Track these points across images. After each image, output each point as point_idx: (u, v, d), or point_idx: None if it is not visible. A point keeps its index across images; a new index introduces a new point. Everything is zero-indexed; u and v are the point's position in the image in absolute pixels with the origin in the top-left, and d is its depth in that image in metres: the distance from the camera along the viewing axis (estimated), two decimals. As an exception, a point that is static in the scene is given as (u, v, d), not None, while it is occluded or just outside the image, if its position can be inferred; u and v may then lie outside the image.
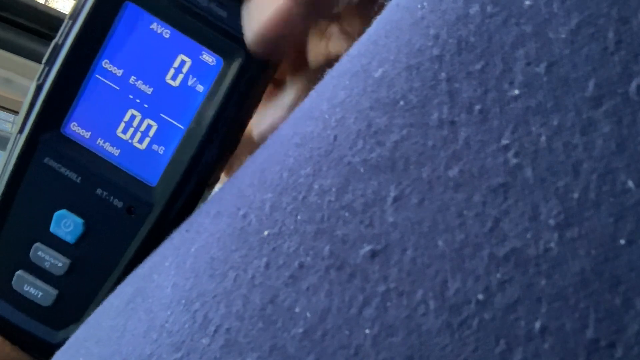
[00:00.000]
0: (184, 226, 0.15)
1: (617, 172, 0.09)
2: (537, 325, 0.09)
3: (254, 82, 0.21)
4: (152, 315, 0.13)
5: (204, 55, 0.21)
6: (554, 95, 0.10)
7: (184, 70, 0.21)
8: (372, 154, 0.12)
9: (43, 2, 1.03)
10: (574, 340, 0.09)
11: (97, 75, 0.21)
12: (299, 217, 0.12)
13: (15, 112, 1.11)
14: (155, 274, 0.14)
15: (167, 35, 0.21)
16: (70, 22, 0.20)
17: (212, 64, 0.21)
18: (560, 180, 0.10)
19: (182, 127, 0.21)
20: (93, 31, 0.20)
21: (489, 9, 0.11)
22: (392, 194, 0.11)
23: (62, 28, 0.21)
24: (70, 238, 0.22)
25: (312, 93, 0.14)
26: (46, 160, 0.21)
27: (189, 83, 0.21)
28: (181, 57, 0.21)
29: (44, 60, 0.21)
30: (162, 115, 0.21)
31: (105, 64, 0.21)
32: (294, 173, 0.12)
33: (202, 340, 0.12)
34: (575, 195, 0.10)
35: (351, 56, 0.13)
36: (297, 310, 0.11)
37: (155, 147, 0.21)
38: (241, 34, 0.20)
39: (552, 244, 0.10)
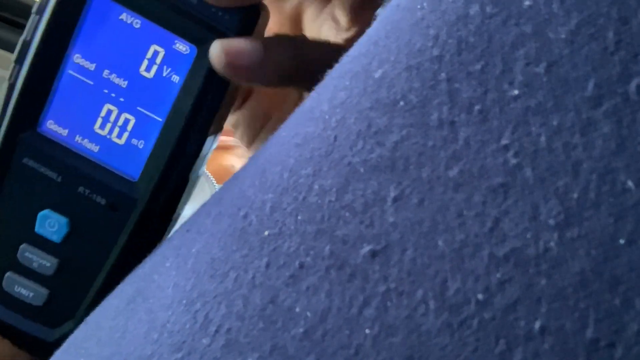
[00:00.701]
0: (184, 226, 0.15)
1: (617, 172, 0.09)
2: (537, 325, 0.09)
3: None
4: (153, 316, 0.13)
5: (177, 45, 0.20)
6: (554, 95, 0.10)
7: (158, 60, 0.20)
8: (372, 154, 0.12)
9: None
10: (573, 340, 0.09)
11: (69, 71, 0.21)
12: (299, 218, 0.12)
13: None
14: (156, 274, 0.14)
15: (138, 26, 0.20)
16: (37, 16, 0.20)
17: (185, 52, 0.20)
18: (560, 180, 0.10)
19: (160, 119, 0.21)
20: (61, 25, 0.20)
21: (488, 9, 0.11)
22: (392, 194, 0.11)
23: (29, 23, 0.20)
24: (56, 237, 0.21)
25: (313, 94, 0.14)
26: (25, 160, 0.21)
27: (164, 74, 0.20)
28: (154, 47, 0.20)
29: (13, 59, 0.20)
30: (139, 108, 0.21)
31: (77, 58, 0.20)
32: (294, 173, 0.13)
33: (203, 340, 0.12)
34: (575, 195, 0.10)
35: (351, 57, 0.13)
36: (297, 310, 0.11)
37: (134, 141, 0.21)
38: (214, 20, 0.19)
39: (552, 244, 0.10)
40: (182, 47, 0.20)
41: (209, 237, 0.14)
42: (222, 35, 0.20)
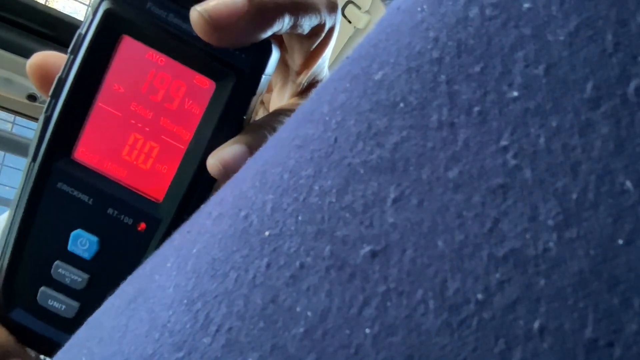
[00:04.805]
0: (185, 227, 0.15)
1: (616, 173, 0.09)
2: (536, 324, 0.09)
3: (245, 101, 0.23)
4: (154, 315, 0.13)
5: (198, 80, 0.22)
6: (553, 97, 0.10)
7: (180, 94, 0.22)
8: (372, 155, 0.12)
9: (43, 2, 1.02)
10: (572, 339, 0.09)
11: (100, 104, 0.23)
12: (299, 218, 0.12)
13: (15, 112, 1.10)
14: (157, 275, 0.14)
15: (162, 63, 0.22)
16: (72, 56, 0.22)
17: (205, 87, 0.22)
18: (559, 181, 0.10)
19: (182, 147, 0.23)
20: (93, 64, 0.22)
21: (488, 11, 0.11)
22: (392, 195, 0.11)
23: (65, 63, 0.22)
24: (87, 255, 0.23)
25: (313, 96, 0.14)
26: (59, 185, 0.23)
27: (186, 106, 0.22)
28: (176, 82, 0.22)
29: (50, 93, 0.22)
30: (162, 137, 0.23)
31: (107, 92, 0.23)
32: (294, 174, 0.13)
33: (204, 340, 0.12)
34: (574, 196, 0.10)
35: (352, 59, 0.13)
36: (297, 310, 0.11)
37: (158, 166, 0.23)
38: (230, 58, 0.22)
39: (551, 244, 0.10)
40: (202, 81, 0.22)
41: (210, 238, 0.14)
42: (238, 71, 0.22)
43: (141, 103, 0.23)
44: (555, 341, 0.09)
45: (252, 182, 0.14)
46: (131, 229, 0.23)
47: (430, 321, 0.10)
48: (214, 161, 0.21)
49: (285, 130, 0.14)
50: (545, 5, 0.11)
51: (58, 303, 0.24)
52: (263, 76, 0.23)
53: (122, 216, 0.23)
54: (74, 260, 0.23)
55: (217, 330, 0.12)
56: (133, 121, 0.23)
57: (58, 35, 0.98)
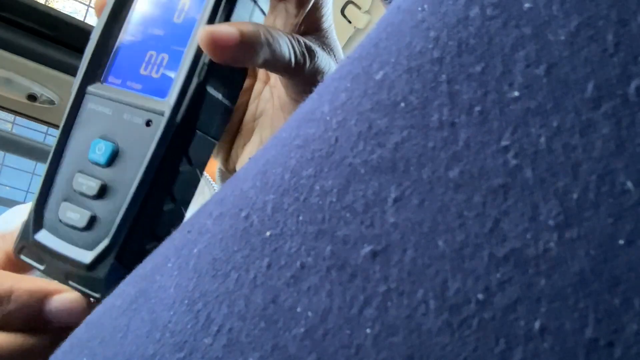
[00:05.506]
0: (185, 227, 0.15)
1: (616, 173, 0.09)
2: (537, 324, 0.09)
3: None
4: (155, 316, 0.13)
5: None
6: (554, 97, 0.10)
7: (186, 8, 0.25)
8: (373, 155, 0.12)
9: (43, 2, 1.02)
10: (573, 339, 0.09)
11: (126, 37, 0.26)
12: (300, 218, 0.12)
13: (15, 112, 1.10)
14: (158, 275, 0.15)
15: None
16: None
17: None
18: (559, 181, 0.10)
19: (183, 49, 0.25)
20: (119, 9, 0.26)
21: (488, 11, 0.11)
22: (393, 195, 0.11)
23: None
24: (102, 160, 0.25)
25: (314, 95, 0.14)
26: (90, 104, 0.26)
27: (190, 15, 0.25)
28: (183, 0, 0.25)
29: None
30: (171, 47, 0.25)
31: (131, 25, 0.26)
32: (295, 174, 0.13)
33: (205, 340, 0.12)
34: (575, 195, 0.10)
35: (352, 58, 0.13)
36: (298, 310, 0.11)
37: (167, 72, 0.25)
38: None
39: (552, 244, 0.10)
40: None
41: (211, 238, 0.14)
42: None
43: (156, 25, 0.25)
44: (555, 341, 0.09)
45: (252, 182, 0.14)
46: (141, 127, 0.25)
47: (431, 321, 0.10)
48: (205, 33, 0.23)
49: (286, 129, 0.14)
50: (546, 4, 0.11)
51: (74, 214, 0.25)
52: None
53: (135, 118, 0.25)
54: (92, 169, 0.25)
55: (218, 331, 0.12)
56: (150, 42, 0.26)
57: (58, 35, 0.98)
